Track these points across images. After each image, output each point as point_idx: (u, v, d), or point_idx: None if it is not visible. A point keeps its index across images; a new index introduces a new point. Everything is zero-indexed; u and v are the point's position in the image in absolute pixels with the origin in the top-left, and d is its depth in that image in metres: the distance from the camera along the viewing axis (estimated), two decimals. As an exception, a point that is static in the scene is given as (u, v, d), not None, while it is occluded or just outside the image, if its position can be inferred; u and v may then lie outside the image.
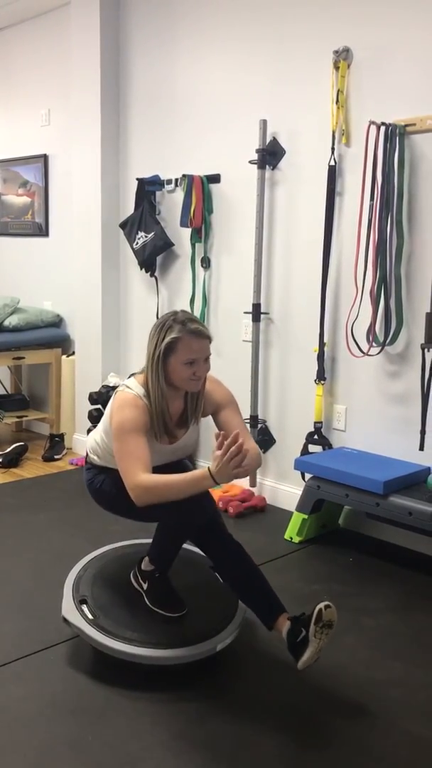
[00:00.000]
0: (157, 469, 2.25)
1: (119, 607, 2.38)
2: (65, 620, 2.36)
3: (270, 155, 3.65)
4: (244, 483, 3.94)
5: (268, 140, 3.65)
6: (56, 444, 4.76)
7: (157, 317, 4.37)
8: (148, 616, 2.36)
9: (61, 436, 4.80)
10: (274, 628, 2.27)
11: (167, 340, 2.22)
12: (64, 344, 5.01)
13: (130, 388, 2.29)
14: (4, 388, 5.53)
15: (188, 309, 4.18)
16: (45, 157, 5.04)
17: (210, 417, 2.49)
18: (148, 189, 4.26)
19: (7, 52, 5.26)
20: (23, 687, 2.22)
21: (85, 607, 2.36)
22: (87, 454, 2.56)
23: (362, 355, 3.29)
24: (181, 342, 2.21)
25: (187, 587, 2.49)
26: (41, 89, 5.03)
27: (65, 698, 2.16)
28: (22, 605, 2.71)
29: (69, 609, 2.37)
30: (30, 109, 5.14)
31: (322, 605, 2.12)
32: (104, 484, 2.44)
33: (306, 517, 3.33)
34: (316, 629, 2.11)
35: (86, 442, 2.57)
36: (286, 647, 2.19)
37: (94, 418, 4.37)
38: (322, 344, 3.50)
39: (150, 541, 2.46)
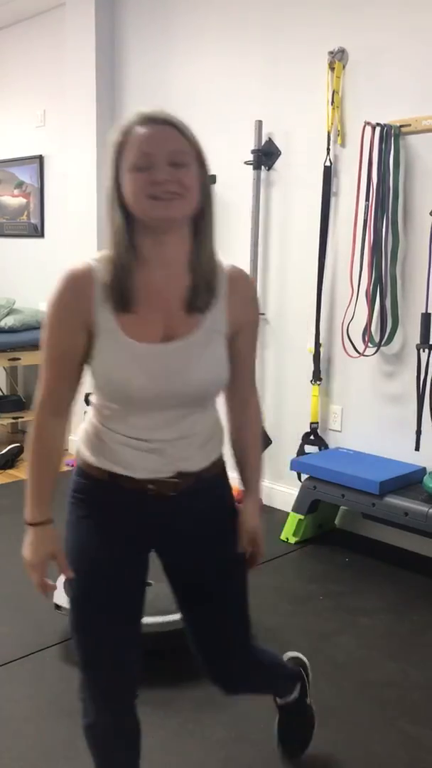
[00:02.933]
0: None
1: None
2: (57, 606, 2.36)
3: (265, 156, 3.65)
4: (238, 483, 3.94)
5: (263, 141, 3.65)
6: (52, 445, 4.75)
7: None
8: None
9: (58, 437, 4.79)
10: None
11: (116, 146, 1.32)
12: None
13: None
14: (0, 390, 5.52)
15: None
16: (40, 158, 5.04)
17: None
18: (144, 190, 4.25)
19: (2, 53, 5.26)
20: (19, 688, 2.21)
21: None
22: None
23: (358, 355, 3.29)
24: (128, 142, 1.30)
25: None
26: (37, 90, 5.03)
27: (62, 699, 2.16)
28: (17, 607, 2.70)
29: (60, 596, 2.38)
30: (25, 109, 5.13)
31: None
32: None
33: (302, 517, 3.33)
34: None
35: None
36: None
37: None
38: (317, 344, 3.51)
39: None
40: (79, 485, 1.49)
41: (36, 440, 1.44)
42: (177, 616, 2.23)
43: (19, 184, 5.24)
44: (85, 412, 1.48)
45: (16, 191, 5.28)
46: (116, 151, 1.32)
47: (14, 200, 5.32)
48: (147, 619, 2.20)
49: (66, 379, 1.38)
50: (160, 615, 2.27)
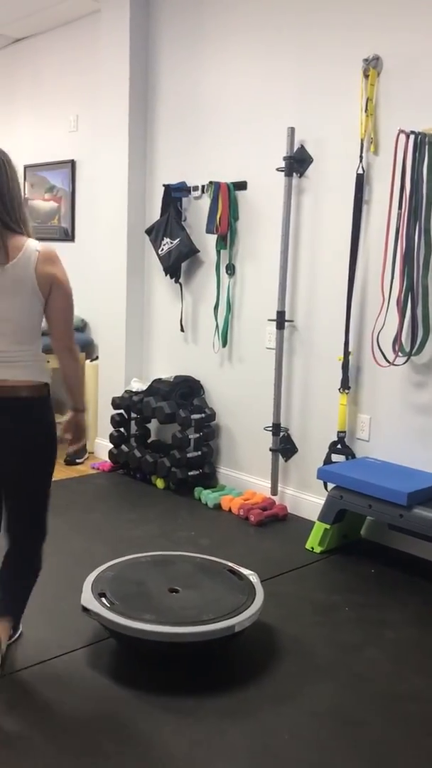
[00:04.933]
0: None
1: (137, 598, 2.41)
2: (84, 609, 2.36)
3: (297, 163, 3.64)
4: (265, 491, 3.93)
5: (295, 148, 3.64)
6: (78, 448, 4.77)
7: (181, 324, 4.38)
8: (166, 605, 2.37)
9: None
10: None
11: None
12: (87, 349, 5.03)
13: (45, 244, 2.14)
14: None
15: (212, 315, 4.18)
16: (72, 163, 5.08)
17: None
18: (175, 195, 4.27)
19: (37, 58, 5.31)
20: (44, 693, 2.21)
21: (104, 599, 2.39)
22: (28, 384, 2.12)
23: (388, 364, 3.26)
24: None
25: (203, 584, 2.53)
26: (70, 95, 5.07)
27: (86, 706, 2.16)
28: (42, 609, 2.71)
29: (88, 600, 2.39)
30: (58, 114, 5.18)
31: None
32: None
33: (328, 527, 3.31)
34: None
35: (20, 362, 2.11)
36: None
37: (117, 422, 4.38)
38: (346, 353, 3.48)
39: (168, 552, 2.46)
40: None
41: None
42: (200, 627, 2.24)
43: (50, 189, 5.29)
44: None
45: (47, 195, 5.33)
46: None
47: (45, 204, 5.37)
48: (169, 629, 2.22)
49: None
50: (183, 625, 2.26)
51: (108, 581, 2.51)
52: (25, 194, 5.50)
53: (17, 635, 2.47)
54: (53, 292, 2.13)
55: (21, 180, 2.19)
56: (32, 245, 2.10)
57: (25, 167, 5.49)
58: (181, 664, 2.38)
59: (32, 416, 2.15)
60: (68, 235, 5.17)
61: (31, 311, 2.11)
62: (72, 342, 2.22)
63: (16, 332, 2.10)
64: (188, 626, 2.26)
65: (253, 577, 2.60)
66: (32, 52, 5.36)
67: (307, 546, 3.37)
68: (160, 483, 4.20)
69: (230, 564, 2.71)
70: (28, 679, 2.28)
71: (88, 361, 4.95)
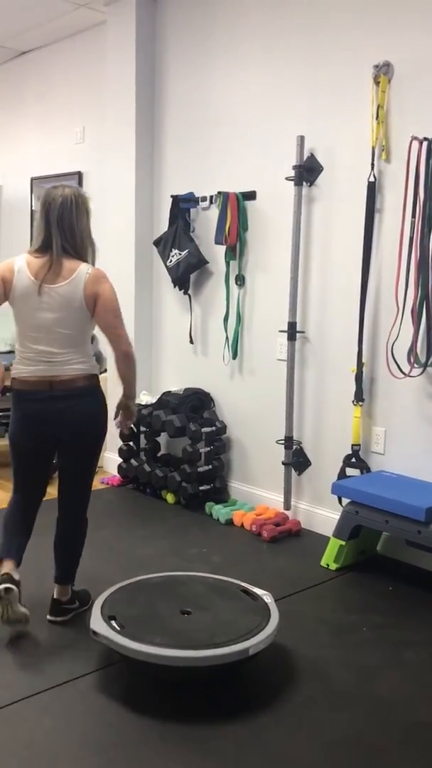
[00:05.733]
0: None
1: (148, 621, 2.34)
2: (93, 633, 2.30)
3: (307, 172, 3.58)
4: (278, 505, 3.85)
5: (305, 156, 3.58)
6: (87, 462, 4.71)
7: (190, 335, 4.32)
8: (177, 628, 2.30)
9: (92, 455, 4.75)
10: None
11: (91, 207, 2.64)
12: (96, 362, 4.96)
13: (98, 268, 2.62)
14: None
15: (222, 327, 4.12)
16: (79, 174, 5.04)
17: None
18: (183, 206, 4.22)
19: (44, 70, 5.29)
20: (51, 719, 2.14)
21: (113, 622, 2.32)
22: (79, 376, 2.60)
23: (403, 376, 3.18)
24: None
25: (216, 605, 2.46)
26: (76, 107, 5.04)
27: (95, 733, 2.08)
28: (51, 632, 2.64)
29: (97, 621, 2.32)
30: (65, 126, 5.15)
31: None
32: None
33: (343, 543, 3.22)
34: None
35: (70, 363, 2.59)
36: None
37: (126, 436, 4.32)
38: (360, 364, 3.41)
39: (179, 573, 2.39)
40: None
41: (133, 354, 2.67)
42: (213, 651, 2.16)
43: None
44: None
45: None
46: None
47: (53, 216, 5.32)
48: (180, 652, 2.15)
49: None
50: (195, 648, 2.19)
51: (118, 603, 2.44)
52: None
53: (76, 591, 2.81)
54: (98, 305, 2.55)
55: (89, 212, 2.65)
56: (84, 269, 2.54)
57: (32, 179, 5.45)
58: (193, 689, 2.30)
59: (84, 400, 2.60)
60: (76, 248, 5.12)
61: (79, 322, 2.55)
62: (119, 328, 2.61)
63: (65, 339, 2.55)
64: (200, 650, 2.18)
65: (267, 597, 2.52)
66: (38, 65, 5.34)
67: (322, 563, 3.28)
68: (170, 498, 4.12)
69: (243, 584, 2.63)
70: (37, 705, 2.20)
71: (96, 375, 4.90)
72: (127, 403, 2.80)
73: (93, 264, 2.62)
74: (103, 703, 2.23)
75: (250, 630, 2.30)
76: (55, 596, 2.73)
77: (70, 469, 2.70)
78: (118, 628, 2.28)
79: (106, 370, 4.81)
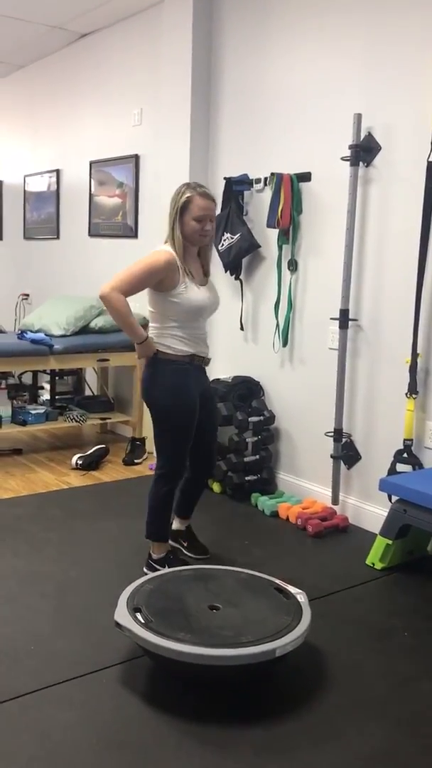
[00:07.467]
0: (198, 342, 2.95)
1: (174, 616, 2.26)
2: (117, 625, 2.24)
3: (364, 151, 3.41)
4: (326, 499, 3.71)
5: (362, 136, 3.40)
6: (137, 448, 4.69)
7: (241, 322, 4.22)
8: (203, 624, 2.22)
9: (142, 440, 4.72)
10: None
11: (182, 200, 2.75)
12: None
13: (162, 247, 2.84)
14: (90, 390, 5.52)
15: (273, 314, 4.00)
16: (136, 158, 4.99)
17: None
18: (236, 189, 4.10)
19: (101, 52, 5.25)
20: (70, 712, 2.10)
21: (138, 615, 2.26)
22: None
23: (458, 368, 2.99)
24: (192, 201, 2.74)
25: (246, 601, 2.36)
26: (134, 89, 4.98)
27: (115, 729, 2.03)
28: (78, 620, 2.60)
29: (122, 614, 2.26)
30: (123, 109, 5.10)
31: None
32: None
33: (390, 542, 3.07)
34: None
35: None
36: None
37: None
38: (415, 355, 3.23)
39: (212, 566, 2.30)
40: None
41: (116, 299, 2.78)
42: (238, 650, 2.07)
43: (120, 185, 5.21)
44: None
45: (117, 191, 5.24)
46: (186, 201, 2.76)
47: (110, 200, 5.30)
48: (203, 650, 2.06)
49: (135, 291, 2.82)
50: (219, 647, 2.10)
51: (146, 595, 2.37)
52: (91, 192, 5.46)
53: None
54: None
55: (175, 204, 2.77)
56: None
57: (91, 163, 5.44)
58: (217, 689, 2.22)
59: (145, 369, 3.01)
60: (132, 232, 5.08)
61: (149, 299, 2.92)
62: (113, 278, 2.81)
63: (149, 315, 3.00)
64: (225, 648, 2.10)
65: (300, 597, 2.41)
66: (96, 48, 5.30)
67: (368, 562, 3.14)
68: (216, 487, 4.04)
69: (277, 581, 2.53)
70: (56, 696, 2.17)
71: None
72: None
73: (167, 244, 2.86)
74: (124, 697, 2.17)
75: (279, 630, 2.20)
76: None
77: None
78: (143, 621, 2.22)
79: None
